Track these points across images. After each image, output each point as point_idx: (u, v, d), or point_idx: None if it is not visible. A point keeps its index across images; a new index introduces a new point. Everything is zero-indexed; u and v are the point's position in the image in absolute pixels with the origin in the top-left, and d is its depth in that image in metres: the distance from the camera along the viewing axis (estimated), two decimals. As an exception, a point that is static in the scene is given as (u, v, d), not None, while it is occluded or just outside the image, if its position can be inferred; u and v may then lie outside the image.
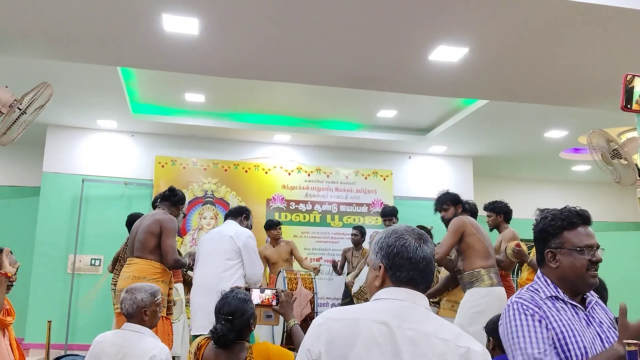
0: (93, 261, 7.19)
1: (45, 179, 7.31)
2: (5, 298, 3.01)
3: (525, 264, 4.72)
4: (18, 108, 3.85)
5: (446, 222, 4.27)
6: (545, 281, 1.83)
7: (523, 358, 1.69)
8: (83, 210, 7.26)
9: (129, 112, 6.79)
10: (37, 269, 7.01)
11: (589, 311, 1.82)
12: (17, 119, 3.88)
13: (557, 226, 1.84)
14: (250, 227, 4.48)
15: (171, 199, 4.28)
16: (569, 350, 1.68)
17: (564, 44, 4.17)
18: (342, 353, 1.38)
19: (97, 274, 7.13)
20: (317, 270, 6.28)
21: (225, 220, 4.52)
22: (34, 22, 3.97)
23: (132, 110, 6.89)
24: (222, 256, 4.10)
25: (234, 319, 2.47)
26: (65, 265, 7.14)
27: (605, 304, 2.64)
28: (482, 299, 3.96)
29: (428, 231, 5.22)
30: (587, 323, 1.78)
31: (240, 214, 4.48)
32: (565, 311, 1.76)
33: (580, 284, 1.81)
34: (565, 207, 1.89)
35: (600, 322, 1.81)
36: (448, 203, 4.26)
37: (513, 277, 5.15)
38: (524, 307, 1.76)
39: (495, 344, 2.91)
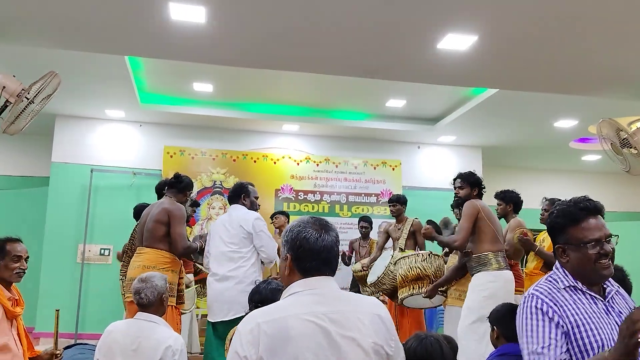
0: (102, 251, 7.24)
1: (54, 169, 7.35)
2: (15, 288, 3.02)
3: (532, 254, 4.69)
4: (26, 97, 3.86)
5: (457, 200, 4.30)
6: (564, 272, 1.82)
7: (526, 352, 1.72)
8: (92, 200, 7.30)
9: (137, 102, 6.79)
10: (47, 258, 7.07)
11: (608, 301, 1.80)
12: (24, 109, 3.90)
13: (561, 223, 1.83)
14: (255, 203, 4.37)
15: (177, 185, 4.25)
16: (584, 342, 1.68)
17: (574, 31, 4.11)
18: (282, 350, 1.47)
19: (107, 263, 7.18)
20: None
21: (230, 204, 4.43)
22: (40, 11, 3.96)
23: (140, 100, 6.89)
24: (235, 244, 4.08)
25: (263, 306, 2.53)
26: (75, 254, 7.19)
27: (630, 293, 2.62)
28: (490, 283, 3.97)
29: (438, 227, 5.18)
30: (606, 313, 1.76)
31: (239, 196, 4.32)
32: (583, 302, 1.75)
33: (593, 277, 1.79)
34: (571, 200, 1.86)
35: (620, 312, 1.79)
36: (466, 183, 4.25)
37: (522, 268, 5.12)
38: (539, 300, 1.75)
39: (499, 333, 2.89)
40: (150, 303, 2.90)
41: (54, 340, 3.13)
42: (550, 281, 1.82)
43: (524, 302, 1.79)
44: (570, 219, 1.81)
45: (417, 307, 5.20)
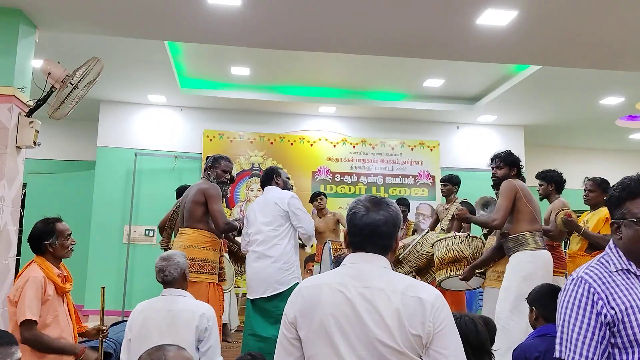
0: (147, 231, 7.47)
1: (100, 153, 7.59)
2: (63, 265, 3.14)
3: (574, 235, 4.59)
4: (70, 83, 4.00)
5: (495, 180, 4.22)
6: (617, 253, 1.71)
7: (560, 338, 1.66)
8: (136, 182, 7.52)
9: (177, 87, 6.92)
10: (94, 239, 7.35)
11: None
12: (69, 94, 4.03)
13: (619, 196, 1.73)
14: (287, 183, 4.42)
15: (207, 165, 4.32)
16: (633, 331, 1.60)
17: (619, 3, 3.94)
18: (311, 314, 1.62)
19: (151, 244, 7.40)
20: None
21: (262, 188, 4.45)
22: (83, -1, 4.08)
23: (180, 85, 7.02)
24: (272, 223, 4.14)
25: None
26: (121, 235, 7.45)
27: None
28: (528, 264, 3.91)
29: (473, 209, 5.11)
30: None
31: (271, 178, 4.36)
32: (636, 286, 1.66)
33: None
34: (634, 176, 1.77)
35: None
36: (504, 162, 4.19)
37: (564, 249, 5.01)
38: (588, 285, 1.65)
39: (538, 313, 2.86)
40: (175, 279, 2.97)
41: (100, 316, 3.25)
42: (602, 264, 1.71)
43: (572, 284, 1.69)
44: (628, 192, 1.72)
45: (455, 290, 5.17)
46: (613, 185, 1.78)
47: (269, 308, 4.08)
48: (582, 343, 1.61)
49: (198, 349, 2.82)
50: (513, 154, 4.26)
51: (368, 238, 1.67)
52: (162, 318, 2.84)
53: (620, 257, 1.70)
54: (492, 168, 4.26)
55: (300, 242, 4.48)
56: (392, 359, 1.54)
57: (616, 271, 1.68)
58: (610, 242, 1.75)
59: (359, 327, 1.56)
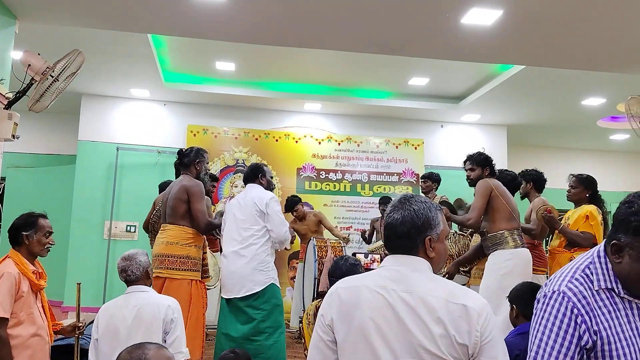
0: (128, 227, 7.39)
1: (81, 147, 7.49)
2: (38, 262, 3.09)
3: (557, 231, 4.63)
4: (50, 75, 3.92)
5: (470, 182, 4.26)
6: (606, 266, 1.55)
7: (533, 356, 1.51)
8: (118, 177, 7.43)
9: (160, 81, 6.85)
10: (74, 234, 7.25)
11: None
12: (49, 87, 3.96)
13: (636, 225, 1.49)
14: (271, 183, 4.34)
15: (183, 161, 4.24)
16: (611, 357, 1.48)
17: (602, 6, 3.98)
18: (349, 316, 1.56)
19: (133, 240, 7.32)
20: (346, 240, 6.30)
21: (245, 184, 4.39)
22: (64, -10, 4.00)
23: (164, 79, 6.94)
24: (248, 222, 4.07)
25: None
26: (102, 231, 7.36)
27: None
28: (507, 261, 3.95)
29: (453, 207, 5.13)
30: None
31: (256, 175, 4.28)
32: (619, 308, 1.52)
33: (638, 290, 1.56)
34: None
35: None
36: (476, 164, 4.22)
37: (545, 248, 5.05)
38: (571, 304, 1.49)
39: (519, 311, 2.89)
40: (137, 278, 2.99)
41: (77, 312, 3.22)
42: (585, 276, 1.55)
43: (552, 299, 1.52)
44: None
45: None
46: (632, 205, 1.52)
47: (242, 307, 4.01)
48: (550, 352, 1.47)
49: (164, 340, 2.86)
50: (483, 153, 4.29)
51: (390, 239, 1.64)
52: (127, 314, 2.86)
53: (607, 272, 1.54)
54: (466, 170, 4.29)
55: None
56: None
57: (600, 289, 1.53)
58: (600, 249, 1.59)
59: (400, 332, 1.50)
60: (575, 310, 1.47)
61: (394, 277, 1.57)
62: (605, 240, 1.60)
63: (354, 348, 1.54)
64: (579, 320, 1.47)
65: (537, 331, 1.52)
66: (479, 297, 1.55)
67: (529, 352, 1.53)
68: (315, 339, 1.64)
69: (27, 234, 2.97)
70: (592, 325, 1.47)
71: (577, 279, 1.53)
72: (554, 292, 1.53)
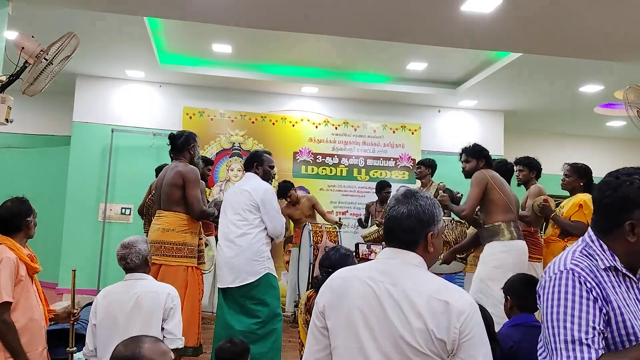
0: (123, 210, 7.36)
1: (75, 129, 7.42)
2: (26, 246, 3.09)
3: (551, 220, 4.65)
4: (44, 59, 3.86)
5: (466, 173, 4.26)
6: (601, 247, 1.59)
7: (566, 338, 1.48)
8: (113, 160, 7.38)
9: (156, 63, 6.77)
10: (69, 216, 7.23)
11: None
12: (43, 70, 3.90)
13: None
14: (268, 172, 4.26)
15: (176, 145, 4.20)
16: (626, 331, 1.51)
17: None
18: (339, 305, 1.63)
19: (128, 222, 7.31)
20: (339, 224, 6.31)
21: (245, 172, 4.36)
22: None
23: (160, 61, 6.86)
24: (242, 212, 4.03)
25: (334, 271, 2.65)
26: (97, 213, 7.33)
27: None
28: (502, 253, 3.95)
29: (453, 196, 5.14)
30: (637, 298, 1.60)
31: (252, 165, 4.24)
32: (620, 285, 1.57)
33: None
34: None
35: None
36: (470, 155, 4.21)
37: (541, 233, 5.07)
38: (582, 278, 1.52)
39: (513, 303, 2.90)
40: (137, 266, 2.99)
41: (71, 299, 3.23)
42: (587, 256, 1.59)
43: (559, 278, 1.55)
44: None
45: (436, 273, 5.23)
46: (632, 181, 1.56)
47: (237, 297, 4.01)
48: (593, 342, 1.45)
49: (162, 328, 2.89)
50: (478, 145, 4.27)
51: (393, 232, 1.66)
52: (126, 302, 2.88)
53: (604, 252, 1.59)
54: (461, 162, 4.28)
55: None
56: (413, 358, 1.51)
57: (604, 269, 1.57)
58: (591, 233, 1.63)
59: (384, 323, 1.55)
60: (587, 284, 1.50)
61: (383, 270, 1.62)
62: (594, 225, 1.64)
63: (342, 335, 1.61)
64: (593, 293, 1.49)
65: (556, 311, 1.50)
66: (464, 296, 1.56)
67: (550, 336, 1.50)
68: (311, 325, 1.72)
69: (29, 219, 3.02)
70: (604, 296, 1.50)
71: (580, 259, 1.56)
72: (561, 271, 1.55)
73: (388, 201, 1.77)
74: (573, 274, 1.53)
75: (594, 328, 1.46)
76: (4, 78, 4.03)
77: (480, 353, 1.52)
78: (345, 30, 4.91)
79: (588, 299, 1.49)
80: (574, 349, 1.46)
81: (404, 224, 1.63)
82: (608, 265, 1.56)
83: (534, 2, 4.12)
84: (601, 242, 1.59)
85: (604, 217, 1.61)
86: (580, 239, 1.67)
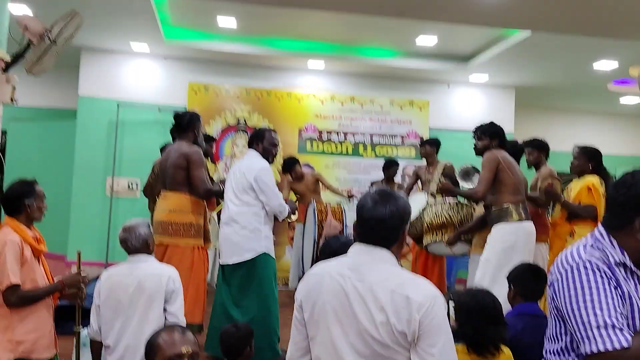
0: (130, 184, 7.38)
1: (81, 103, 7.39)
2: (34, 227, 3.10)
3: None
4: (48, 38, 3.81)
5: (477, 151, 4.22)
6: (611, 242, 1.62)
7: (598, 324, 1.50)
8: (119, 134, 7.37)
9: (161, 36, 6.67)
10: (76, 190, 7.26)
11: None
12: (47, 49, 3.85)
13: None
14: (268, 150, 4.19)
15: (182, 125, 4.18)
16: (637, 319, 1.55)
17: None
18: (313, 300, 1.75)
19: (135, 197, 7.34)
20: (350, 195, 6.25)
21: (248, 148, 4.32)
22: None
23: (165, 35, 6.76)
24: (239, 190, 4.04)
25: None
26: (104, 188, 7.36)
27: None
28: (510, 235, 3.95)
29: (455, 179, 5.06)
30: None
31: (253, 141, 4.21)
32: (629, 281, 1.59)
33: None
34: None
35: None
36: (486, 134, 4.15)
37: (548, 215, 5.03)
38: (601, 269, 1.56)
39: (517, 292, 2.89)
40: (137, 249, 3.01)
41: (78, 278, 3.22)
42: (600, 250, 1.62)
43: (579, 268, 1.58)
44: None
45: (441, 254, 5.23)
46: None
47: (235, 274, 4.04)
48: (623, 326, 1.48)
49: (165, 309, 2.93)
50: (496, 124, 4.20)
51: (374, 230, 1.73)
52: (129, 284, 2.91)
53: (615, 247, 1.61)
54: (474, 138, 4.22)
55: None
56: (379, 350, 1.61)
57: (615, 264, 1.59)
58: (601, 228, 1.66)
59: (351, 316, 1.66)
60: (605, 275, 1.55)
61: (352, 266, 1.73)
62: (605, 221, 1.67)
63: (315, 328, 1.74)
64: (613, 281, 1.55)
65: (582, 299, 1.53)
66: (426, 289, 1.64)
67: (579, 324, 1.53)
68: (293, 317, 1.85)
69: (29, 202, 2.99)
70: (620, 286, 1.55)
71: (593, 253, 1.61)
72: (577, 262, 1.60)
73: (360, 199, 1.78)
74: (591, 264, 1.57)
75: (621, 313, 1.50)
76: (8, 58, 3.99)
77: (440, 341, 1.59)
78: (354, 7, 4.80)
79: (610, 285, 1.53)
80: (608, 334, 1.48)
81: (388, 224, 1.71)
82: (618, 260, 1.59)
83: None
84: (611, 238, 1.62)
85: (616, 213, 1.64)
86: (589, 234, 1.70)
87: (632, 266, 1.59)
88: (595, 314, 1.50)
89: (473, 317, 2.28)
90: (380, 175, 6.79)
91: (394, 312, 1.60)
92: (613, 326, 1.48)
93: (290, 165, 6.34)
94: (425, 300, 1.60)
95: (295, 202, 5.68)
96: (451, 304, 2.42)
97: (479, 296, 2.38)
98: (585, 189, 4.33)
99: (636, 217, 1.57)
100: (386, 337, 1.60)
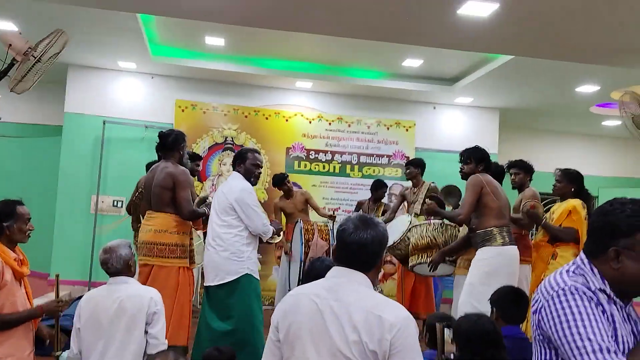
0: (115, 202, 7.32)
1: (67, 119, 7.35)
2: (19, 248, 3.06)
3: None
4: (33, 56, 3.81)
5: (463, 175, 4.23)
6: (592, 270, 1.61)
7: (593, 349, 1.47)
8: (105, 151, 7.32)
9: (148, 54, 6.68)
10: (61, 207, 7.18)
11: (627, 308, 1.66)
12: (32, 67, 3.84)
13: (634, 225, 1.54)
14: (250, 171, 4.16)
15: (167, 144, 4.16)
16: (623, 343, 1.55)
17: (596, 2, 3.91)
18: (289, 321, 1.78)
19: (119, 215, 7.27)
20: (333, 218, 6.28)
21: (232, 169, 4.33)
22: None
23: (152, 52, 6.78)
24: (221, 213, 4.05)
25: None
26: (89, 205, 7.29)
27: None
28: (494, 259, 3.95)
29: (441, 201, 5.09)
30: (624, 320, 1.62)
31: (236, 163, 4.21)
32: (612, 306, 1.58)
33: (637, 292, 1.63)
34: None
35: (637, 320, 1.66)
36: (471, 158, 4.18)
37: (531, 238, 5.08)
38: (587, 294, 1.55)
39: (499, 315, 2.91)
40: (118, 271, 2.97)
41: (55, 302, 3.18)
42: (581, 276, 1.61)
43: (565, 294, 1.57)
44: None
45: (427, 275, 5.24)
46: (623, 209, 1.58)
47: (217, 296, 4.03)
48: (607, 336, 1.49)
49: (146, 332, 2.89)
50: (481, 148, 4.24)
51: (355, 255, 1.78)
52: (109, 305, 2.87)
53: (595, 275, 1.60)
54: (460, 163, 4.26)
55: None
56: None
57: (595, 290, 1.58)
58: (583, 256, 1.65)
59: (325, 336, 1.70)
60: (592, 300, 1.55)
61: (328, 287, 1.78)
62: (585, 247, 1.68)
63: (291, 349, 1.76)
64: (600, 307, 1.54)
65: (574, 325, 1.51)
66: (398, 311, 1.71)
67: (573, 350, 1.50)
68: (268, 338, 1.87)
69: (8, 224, 2.94)
70: (605, 311, 1.54)
71: (576, 280, 1.60)
72: (562, 289, 1.59)
73: (341, 223, 1.83)
74: (577, 289, 1.56)
75: (610, 336, 1.50)
76: (-9, 75, 3.97)
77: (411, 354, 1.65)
78: (340, 30, 4.86)
79: (598, 309, 1.53)
80: (604, 358, 1.46)
81: (369, 249, 1.77)
82: (598, 287, 1.58)
83: (530, 7, 4.09)
84: (592, 265, 1.62)
85: (593, 240, 1.65)
86: (572, 260, 1.71)
87: (612, 294, 1.58)
88: (589, 339, 1.48)
89: (473, 343, 2.35)
90: (367, 194, 6.81)
91: (367, 332, 1.65)
92: (608, 350, 1.47)
93: (281, 180, 6.35)
94: (397, 321, 1.66)
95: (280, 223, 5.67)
96: (447, 331, 2.47)
97: (480, 322, 2.44)
98: (566, 211, 4.38)
99: (611, 244, 1.57)
100: (358, 356, 1.64)
